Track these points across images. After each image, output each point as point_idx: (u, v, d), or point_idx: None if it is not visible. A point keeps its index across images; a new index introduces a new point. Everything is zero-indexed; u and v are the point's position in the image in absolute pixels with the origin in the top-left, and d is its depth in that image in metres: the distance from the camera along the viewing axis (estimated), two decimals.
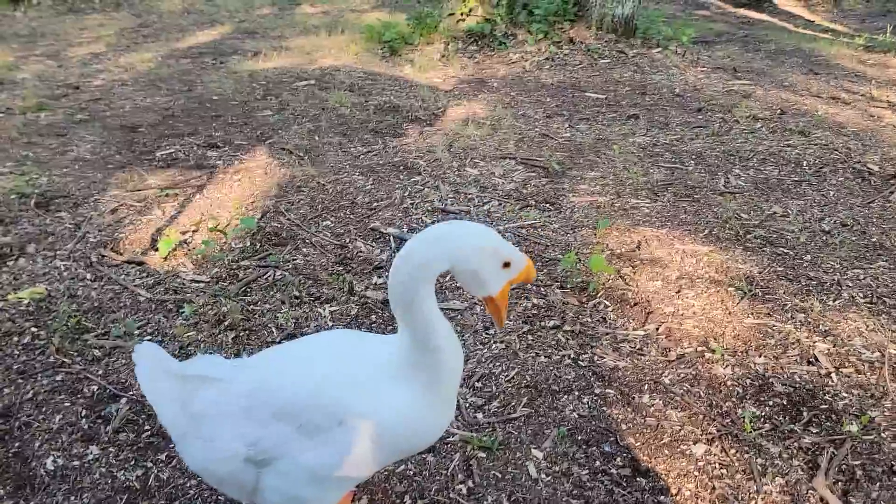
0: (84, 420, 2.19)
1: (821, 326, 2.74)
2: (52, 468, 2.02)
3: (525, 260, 1.41)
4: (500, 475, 2.07)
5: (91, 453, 2.08)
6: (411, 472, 2.07)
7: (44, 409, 2.22)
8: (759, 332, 2.70)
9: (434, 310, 1.40)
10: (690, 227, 3.53)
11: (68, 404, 2.25)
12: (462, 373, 1.50)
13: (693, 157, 4.46)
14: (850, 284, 3.03)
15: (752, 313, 2.81)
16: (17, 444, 2.09)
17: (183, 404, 1.58)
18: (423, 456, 2.12)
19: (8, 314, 2.64)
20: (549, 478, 2.06)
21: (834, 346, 2.62)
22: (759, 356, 2.57)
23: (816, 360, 2.55)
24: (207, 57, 6.56)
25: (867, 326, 2.74)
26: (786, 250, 3.32)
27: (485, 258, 1.36)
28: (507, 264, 1.39)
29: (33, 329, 2.58)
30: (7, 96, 5.18)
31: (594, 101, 5.61)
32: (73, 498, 1.93)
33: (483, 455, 2.13)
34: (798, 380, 2.45)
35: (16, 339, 2.53)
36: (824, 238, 3.45)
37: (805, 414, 2.30)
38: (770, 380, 2.45)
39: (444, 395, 1.49)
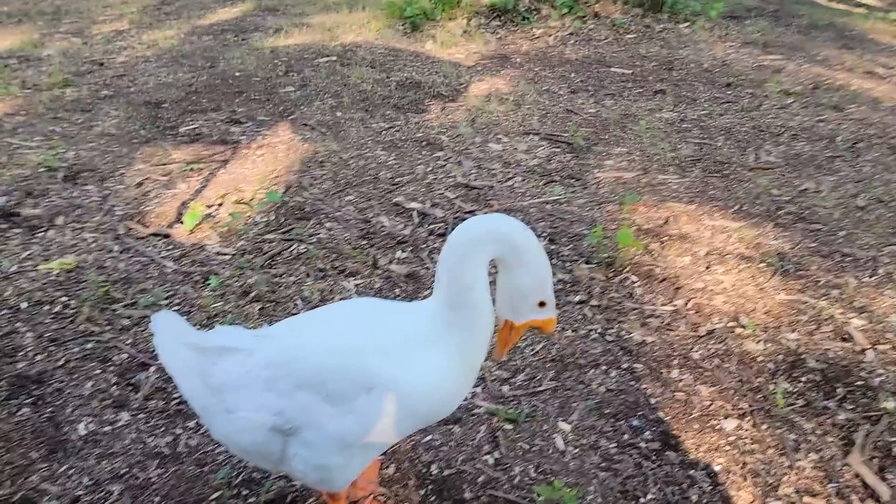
0: (114, 387, 2.22)
1: (855, 303, 2.67)
2: (84, 433, 2.05)
3: (555, 312, 1.47)
4: (526, 447, 2.06)
5: (122, 419, 2.10)
6: (437, 443, 2.07)
7: (75, 376, 2.25)
8: (791, 309, 2.64)
9: (482, 273, 1.43)
10: (720, 203, 3.46)
11: (99, 371, 2.28)
12: (492, 335, 1.49)
13: (722, 132, 4.36)
14: (887, 261, 2.95)
15: (784, 289, 2.75)
16: (49, 410, 2.12)
17: (203, 375, 1.55)
18: (449, 427, 2.12)
19: (39, 284, 2.68)
20: (576, 450, 2.04)
21: (869, 323, 2.55)
22: (792, 332, 2.51)
23: (851, 336, 2.49)
24: (229, 34, 6.54)
25: None
26: (819, 226, 3.24)
27: (533, 282, 1.40)
28: (542, 304, 1.42)
29: (63, 298, 2.61)
30: (33, 72, 5.22)
31: (620, 76, 5.49)
32: (104, 462, 1.96)
33: (510, 427, 2.12)
34: (832, 356, 2.39)
35: (47, 307, 2.56)
36: (859, 214, 3.36)
37: (839, 390, 2.25)
38: (803, 356, 2.39)
39: (473, 358, 1.48)
